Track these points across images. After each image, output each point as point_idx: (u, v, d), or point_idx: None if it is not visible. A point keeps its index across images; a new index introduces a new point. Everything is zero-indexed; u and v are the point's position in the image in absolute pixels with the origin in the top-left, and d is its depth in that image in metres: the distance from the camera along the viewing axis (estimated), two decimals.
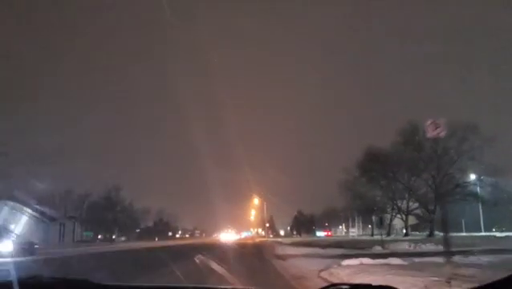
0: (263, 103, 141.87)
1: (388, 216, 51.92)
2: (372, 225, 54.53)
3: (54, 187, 55.38)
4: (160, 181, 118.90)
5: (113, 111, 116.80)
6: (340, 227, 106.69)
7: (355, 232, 56.39)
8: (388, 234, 54.15)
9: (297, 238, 59.41)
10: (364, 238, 50.05)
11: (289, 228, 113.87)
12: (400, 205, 50.67)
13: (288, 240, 48.11)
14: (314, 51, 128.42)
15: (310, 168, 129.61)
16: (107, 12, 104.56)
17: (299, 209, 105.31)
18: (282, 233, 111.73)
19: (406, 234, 50.95)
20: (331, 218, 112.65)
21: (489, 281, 1.61)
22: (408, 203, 48.30)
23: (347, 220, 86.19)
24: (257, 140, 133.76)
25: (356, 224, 66.17)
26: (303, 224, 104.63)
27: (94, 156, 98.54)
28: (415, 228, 71.92)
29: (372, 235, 53.36)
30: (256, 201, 60.82)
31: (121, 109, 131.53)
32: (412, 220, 70.96)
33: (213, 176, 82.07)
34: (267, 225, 51.95)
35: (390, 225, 55.97)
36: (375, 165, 47.23)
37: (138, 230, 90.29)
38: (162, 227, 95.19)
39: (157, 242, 55.65)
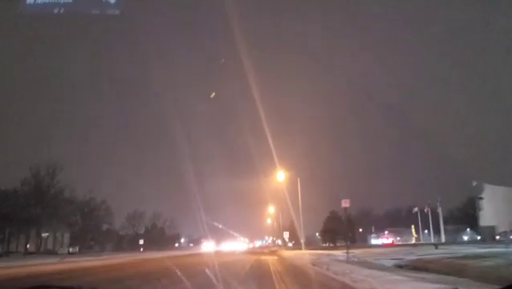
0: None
1: None
2: None
3: None
4: (164, 183, 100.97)
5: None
6: (385, 232, 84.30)
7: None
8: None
9: (357, 250, 35.64)
10: None
11: (317, 234, 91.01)
12: None
13: (357, 252, 24.76)
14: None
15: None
16: None
17: (333, 210, 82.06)
18: (301, 241, 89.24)
19: None
20: (370, 222, 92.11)
21: None
22: None
23: (404, 222, 63.28)
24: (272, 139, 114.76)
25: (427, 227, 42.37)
26: (338, 230, 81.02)
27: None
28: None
29: None
30: (280, 181, 38.71)
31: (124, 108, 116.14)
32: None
33: (223, 180, 72.74)
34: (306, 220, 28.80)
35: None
36: None
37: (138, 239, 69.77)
38: (155, 235, 72.68)
39: (116, 257, 32.23)
